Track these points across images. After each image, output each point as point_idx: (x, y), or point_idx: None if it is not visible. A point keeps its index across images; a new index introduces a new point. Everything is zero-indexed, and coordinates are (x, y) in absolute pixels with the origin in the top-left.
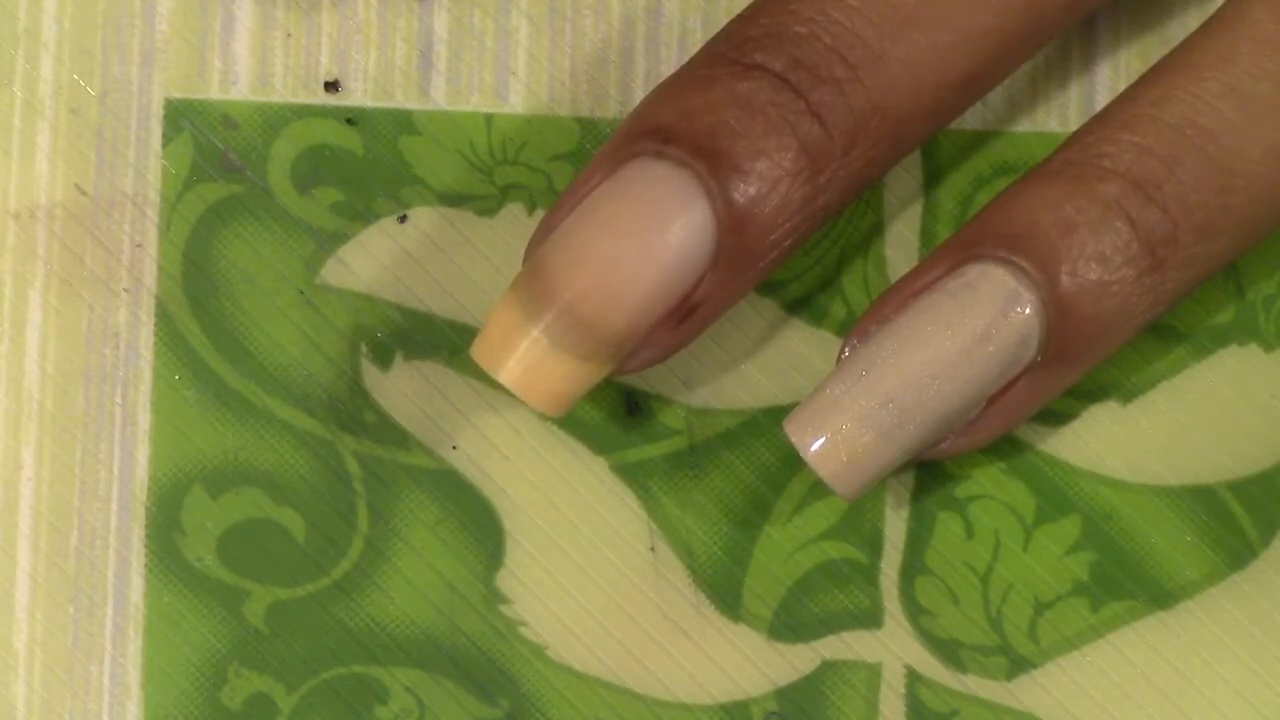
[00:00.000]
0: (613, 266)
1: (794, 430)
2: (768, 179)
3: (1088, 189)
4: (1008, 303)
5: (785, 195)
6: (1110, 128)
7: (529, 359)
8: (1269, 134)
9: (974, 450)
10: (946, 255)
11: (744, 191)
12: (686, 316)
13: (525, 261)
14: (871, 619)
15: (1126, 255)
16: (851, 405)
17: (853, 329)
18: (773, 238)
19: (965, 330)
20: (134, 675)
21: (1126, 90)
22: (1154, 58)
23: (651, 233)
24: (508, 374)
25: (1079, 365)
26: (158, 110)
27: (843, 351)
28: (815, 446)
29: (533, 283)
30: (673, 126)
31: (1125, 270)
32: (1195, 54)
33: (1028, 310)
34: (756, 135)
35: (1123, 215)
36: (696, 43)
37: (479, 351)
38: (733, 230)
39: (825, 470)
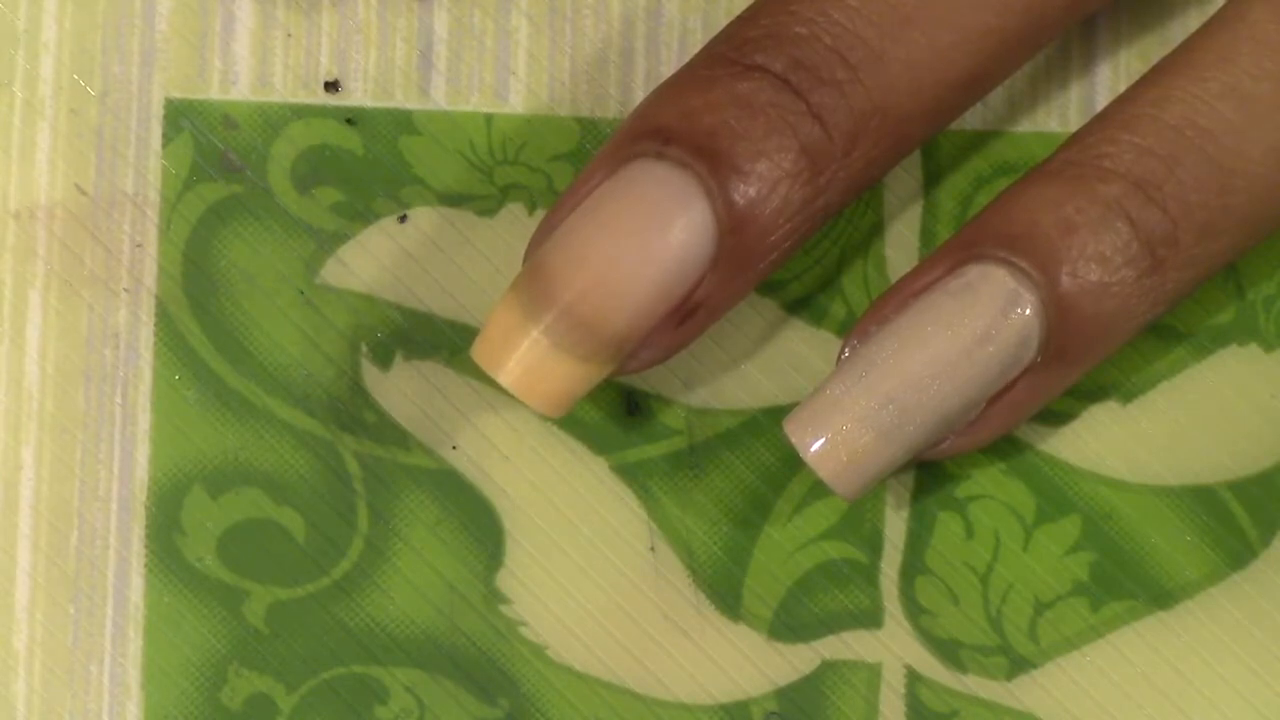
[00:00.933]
0: (613, 267)
1: (794, 430)
2: (768, 180)
3: (1088, 189)
4: (1008, 303)
5: (785, 196)
6: (1110, 128)
7: (529, 359)
8: (1269, 134)
9: (974, 450)
10: (946, 255)
11: (744, 192)
12: (687, 317)
13: (525, 262)
14: (871, 619)
15: (1127, 256)
16: (851, 405)
17: (853, 329)
18: (773, 238)
19: (965, 330)
20: (134, 675)
21: (1126, 90)
22: (1154, 58)
23: (652, 233)
24: (508, 374)
25: (1079, 365)
26: (158, 110)
27: (842, 352)
28: (815, 447)
29: (533, 283)
30: (673, 127)
31: (1125, 271)
32: (1195, 54)
33: (1028, 311)
34: (757, 136)
35: (1123, 216)
36: (696, 43)
37: (479, 352)
38: (733, 231)
39: (825, 471)
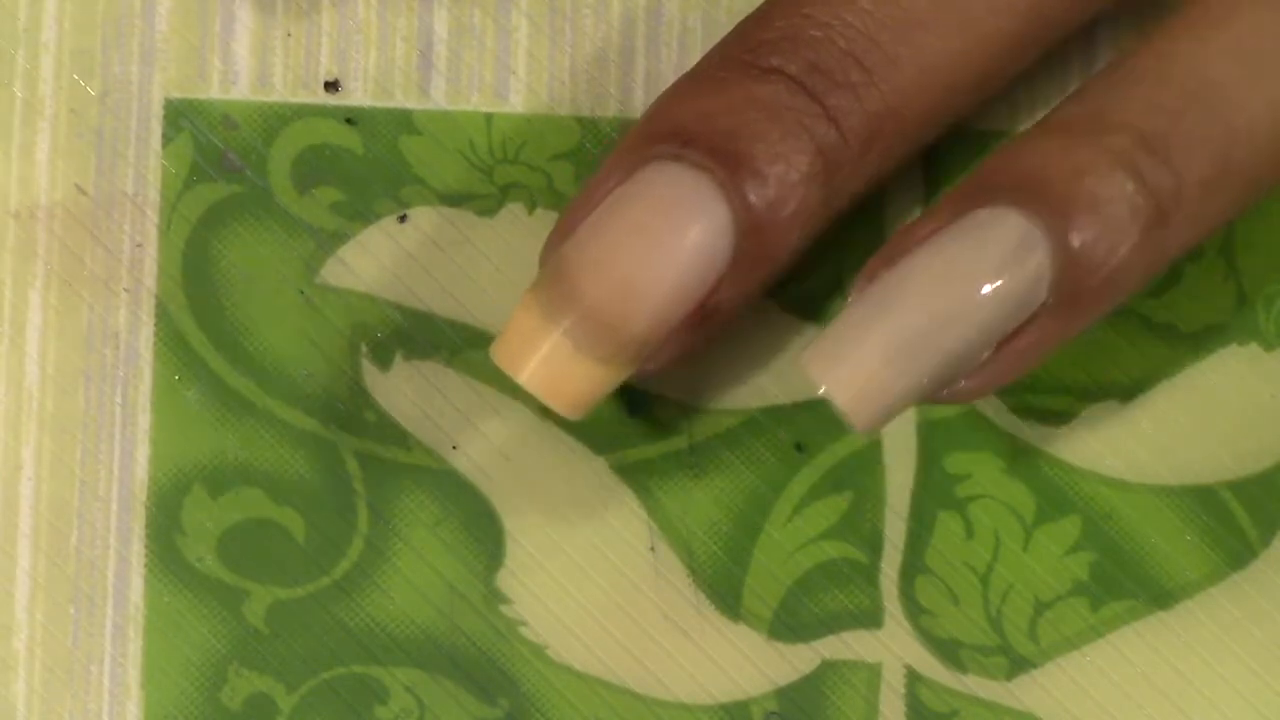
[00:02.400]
0: (635, 269)
1: (812, 362)
2: (786, 183)
3: (1095, 141)
4: (1020, 246)
5: (802, 199)
6: (1113, 83)
7: (550, 362)
8: (1270, 89)
9: (984, 395)
10: (954, 201)
11: (762, 195)
12: (705, 319)
13: (543, 263)
14: (871, 619)
15: (1133, 207)
16: (868, 338)
17: (861, 271)
18: (789, 240)
19: (979, 270)
20: (134, 675)
21: (1127, 48)
22: None
23: (673, 235)
24: (529, 376)
25: (1087, 315)
26: (158, 110)
27: (853, 292)
28: (832, 378)
29: (553, 285)
30: (691, 129)
31: (1133, 222)
32: (1195, 11)
33: (1039, 254)
34: (774, 139)
35: (1130, 167)
36: (696, 42)
37: (498, 353)
38: (751, 233)
39: (842, 399)
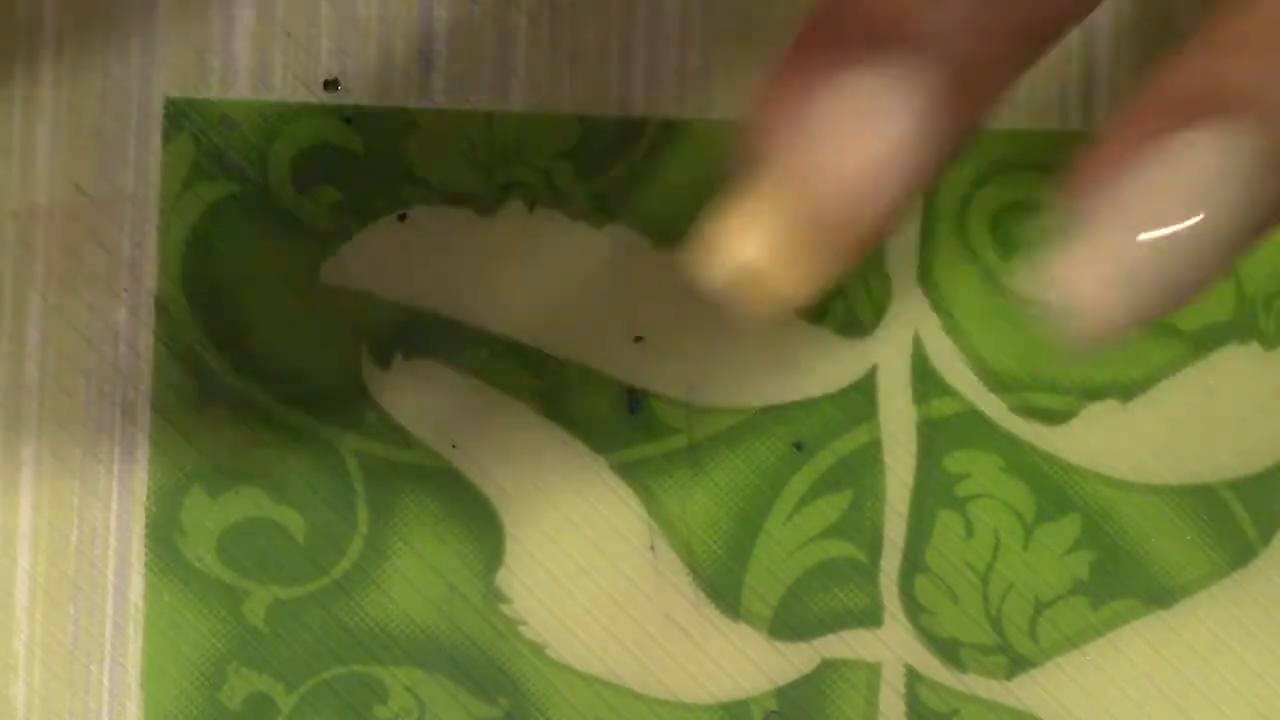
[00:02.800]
0: (850, 162)
1: (1051, 281)
2: (980, 65)
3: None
4: (1249, 162)
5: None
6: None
7: (770, 264)
8: None
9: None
10: (1152, 115)
11: (960, 78)
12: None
13: (751, 162)
14: (871, 618)
15: None
16: (1098, 259)
17: (1070, 191)
18: (983, 120)
19: (1201, 191)
20: (134, 675)
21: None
22: (1154, 55)
23: (883, 126)
24: (741, 275)
25: None
26: (158, 110)
27: (1068, 214)
28: (1068, 298)
29: (774, 184)
30: (872, 17)
31: None
32: None
33: (1247, 170)
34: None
35: None
36: (697, 39)
37: (707, 254)
38: (949, 115)
39: (1077, 321)
